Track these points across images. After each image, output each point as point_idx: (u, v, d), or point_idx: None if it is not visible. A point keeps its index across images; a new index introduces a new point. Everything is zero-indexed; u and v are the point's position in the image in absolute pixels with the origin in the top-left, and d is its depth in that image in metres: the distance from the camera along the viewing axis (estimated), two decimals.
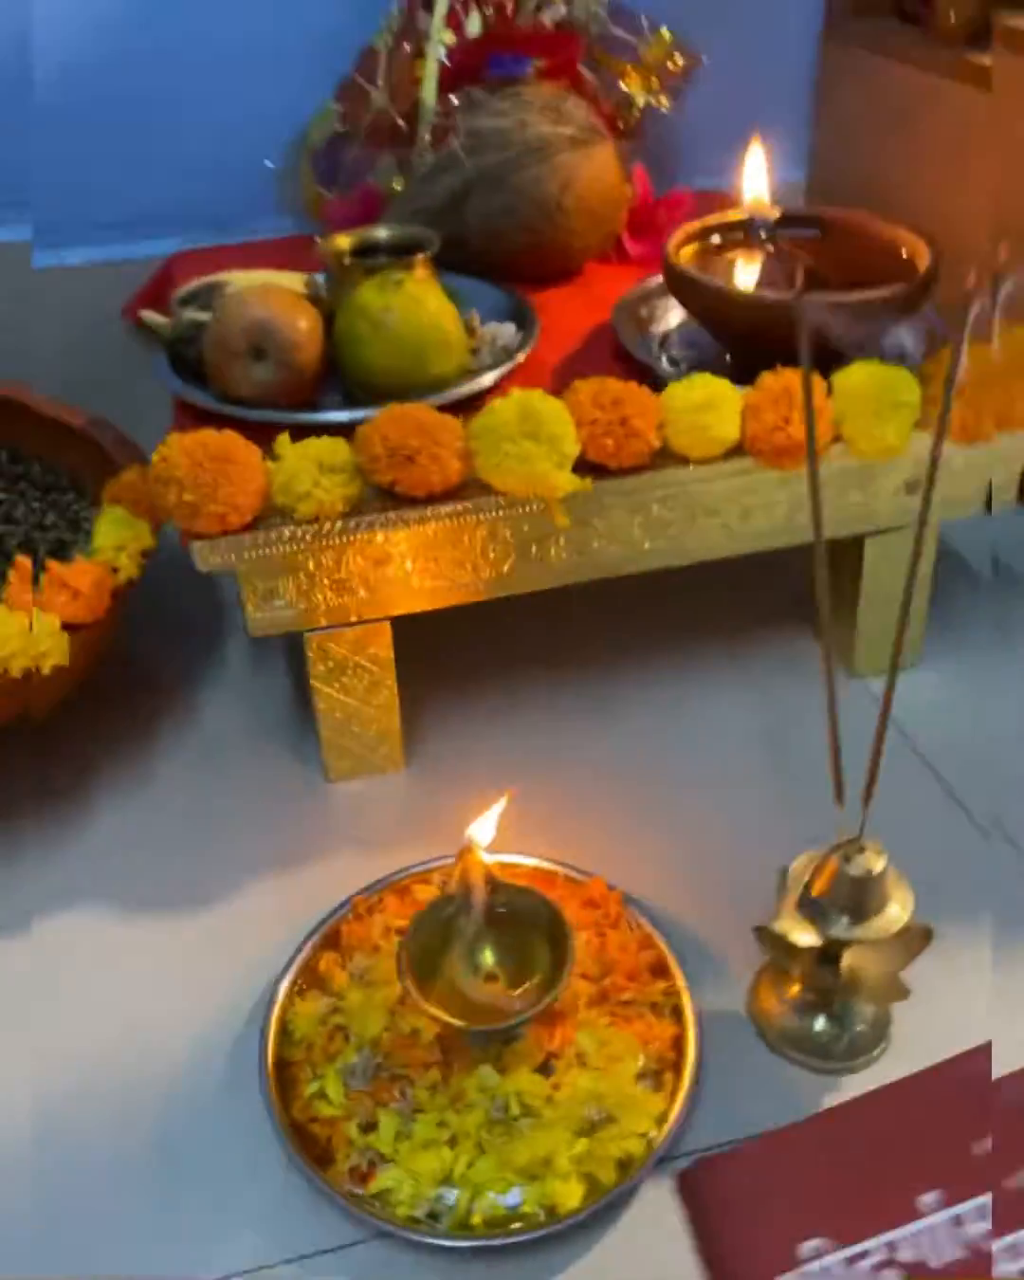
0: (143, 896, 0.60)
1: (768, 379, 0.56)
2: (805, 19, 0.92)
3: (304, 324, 0.59)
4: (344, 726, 0.64)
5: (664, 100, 0.85)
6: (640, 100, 0.84)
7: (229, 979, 0.55)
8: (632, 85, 0.84)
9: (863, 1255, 0.27)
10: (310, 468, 0.53)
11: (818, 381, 0.57)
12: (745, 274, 0.62)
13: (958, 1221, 0.27)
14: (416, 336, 0.58)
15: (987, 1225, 0.26)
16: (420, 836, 0.61)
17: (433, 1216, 0.45)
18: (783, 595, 0.77)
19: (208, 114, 0.85)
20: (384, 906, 0.57)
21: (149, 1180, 0.48)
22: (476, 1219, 0.45)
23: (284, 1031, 0.52)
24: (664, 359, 0.66)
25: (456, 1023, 0.46)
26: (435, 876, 0.57)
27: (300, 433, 0.56)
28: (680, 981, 0.52)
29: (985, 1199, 0.27)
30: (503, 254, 0.73)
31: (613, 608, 0.76)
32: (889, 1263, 0.27)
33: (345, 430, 0.56)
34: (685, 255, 0.64)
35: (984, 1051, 0.37)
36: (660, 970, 0.53)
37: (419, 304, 0.58)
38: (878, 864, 0.46)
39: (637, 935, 0.55)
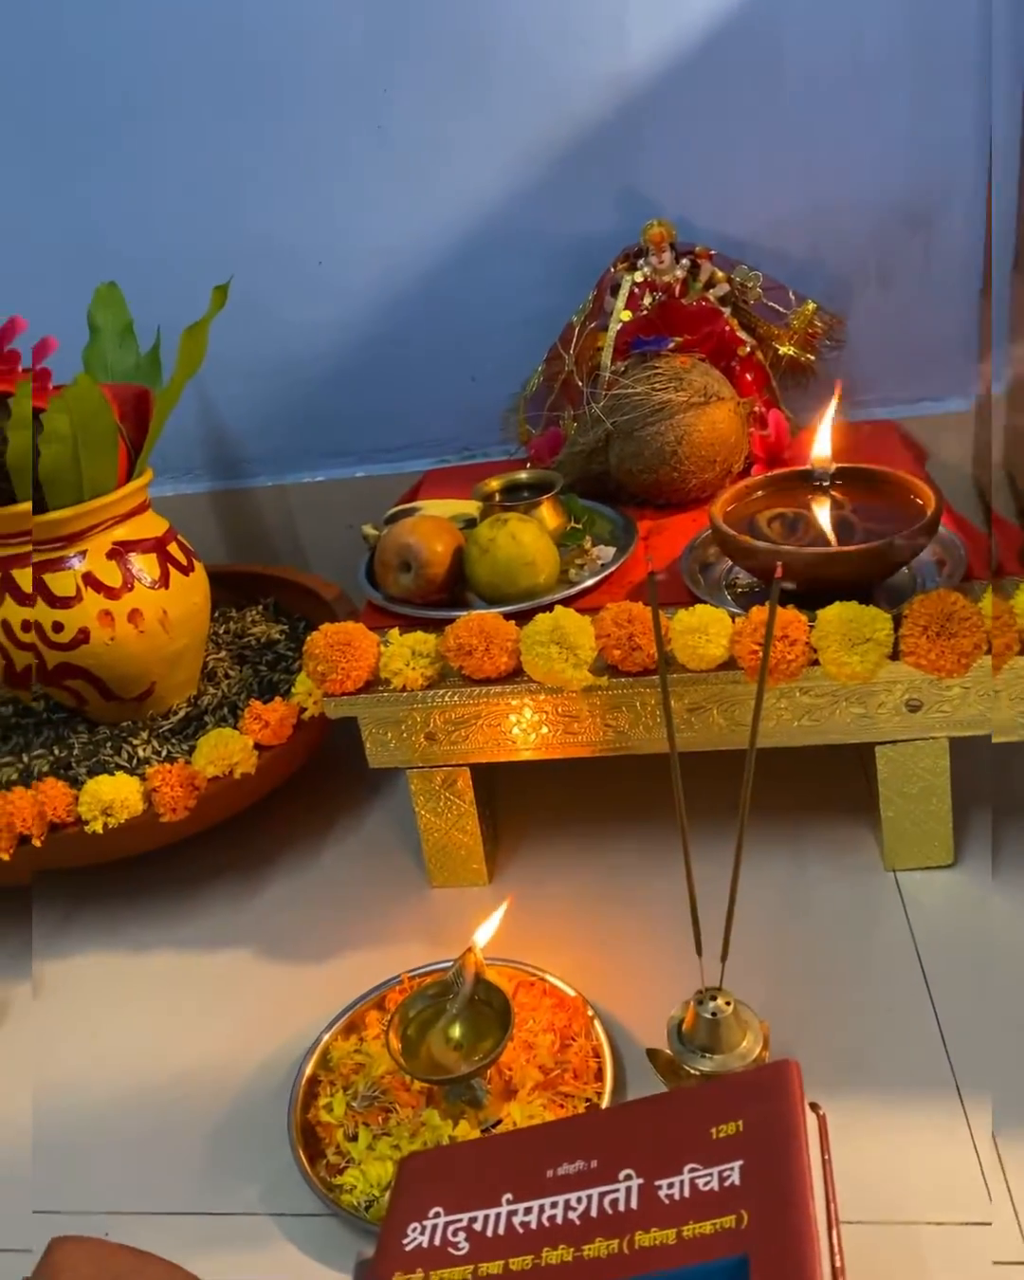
0: (283, 949, 0.83)
1: (756, 611, 0.70)
2: (967, 274, 1.04)
3: (439, 547, 0.82)
4: (439, 845, 0.84)
5: (810, 356, 1.01)
6: (788, 356, 1.01)
7: (315, 1012, 0.75)
8: (782, 345, 1.01)
9: (455, 1220, 0.41)
10: (405, 652, 0.75)
11: (799, 615, 0.70)
12: (772, 523, 0.77)
13: (513, 1214, 0.41)
14: (508, 562, 0.79)
15: (528, 1218, 0.40)
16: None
17: (368, 1205, 0.62)
18: (850, 792, 0.87)
19: (459, 370, 1.13)
20: (418, 984, 0.75)
21: (217, 1133, 0.69)
22: None
23: (323, 1059, 0.71)
24: (726, 589, 0.81)
25: (408, 1070, 0.63)
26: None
27: (423, 624, 0.79)
28: (608, 1086, 0.65)
29: (536, 1202, 0.40)
30: (635, 487, 0.93)
31: (700, 779, 0.90)
32: (465, 1229, 0.41)
33: (447, 624, 0.77)
34: (754, 500, 0.80)
35: (596, 1116, 0.48)
36: (601, 1075, 0.67)
37: (514, 538, 0.79)
38: (727, 1008, 0.57)
39: (593, 1044, 0.69)
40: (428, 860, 0.85)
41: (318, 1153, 0.66)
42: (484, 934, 0.68)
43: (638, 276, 1.01)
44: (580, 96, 1.01)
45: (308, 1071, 0.70)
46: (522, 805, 0.92)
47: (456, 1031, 0.66)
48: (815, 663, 0.70)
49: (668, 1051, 0.60)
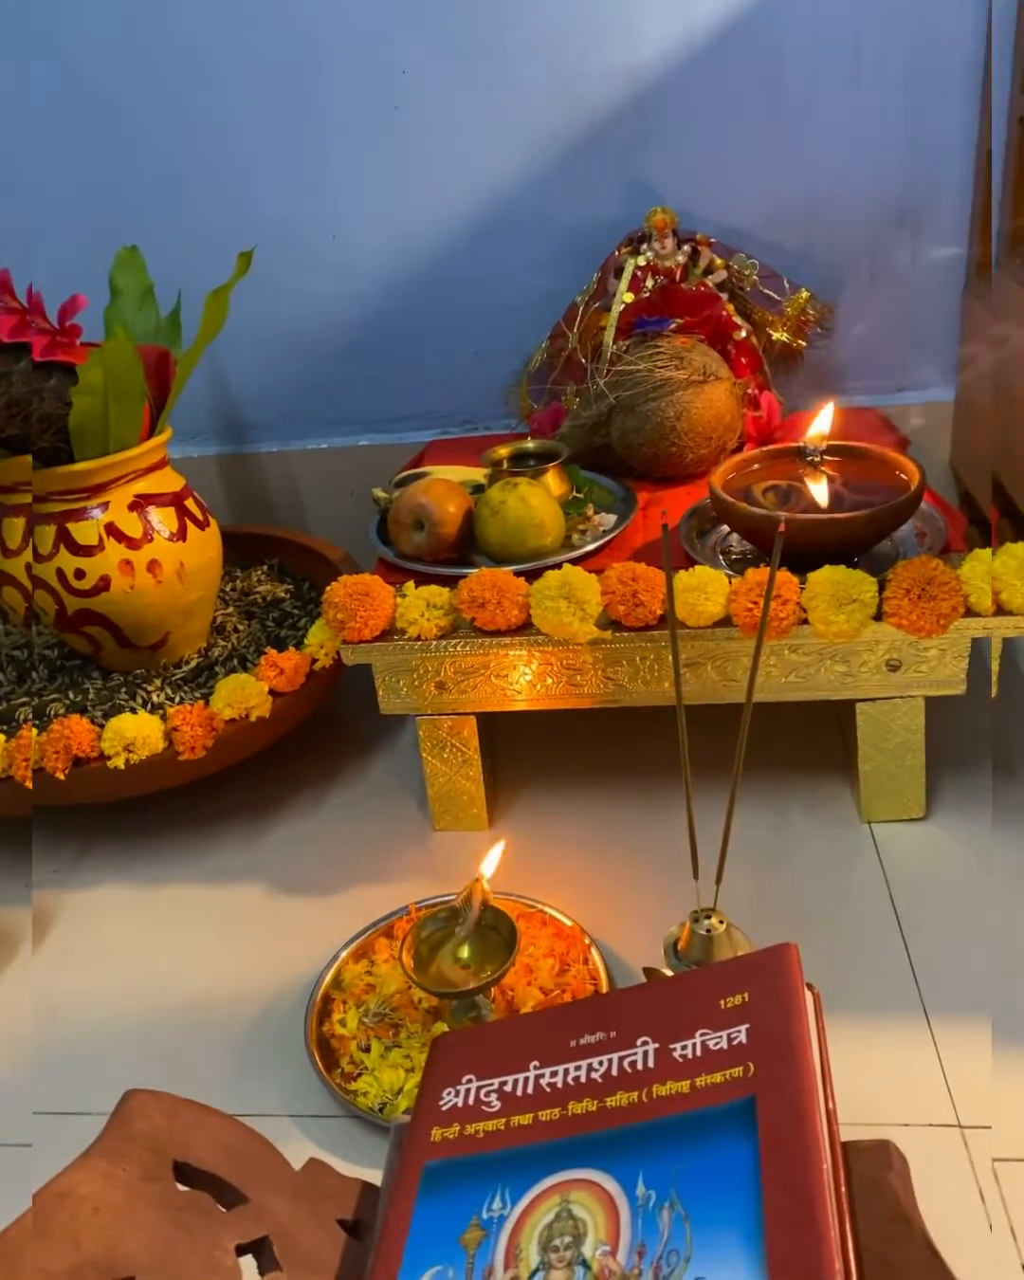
0: (292, 884, 0.88)
1: (751, 572, 0.76)
2: (953, 267, 1.10)
3: (451, 508, 0.86)
4: (443, 790, 0.89)
5: (801, 343, 1.07)
6: (780, 341, 1.06)
7: (324, 942, 0.80)
8: (775, 331, 1.06)
9: (487, 1084, 0.46)
10: (420, 604, 0.80)
11: (791, 577, 0.75)
12: (765, 493, 0.82)
13: (540, 1077, 0.46)
14: (518, 523, 0.83)
15: (555, 1079, 0.45)
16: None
17: (382, 1108, 0.67)
18: (828, 753, 0.93)
19: (464, 346, 1.18)
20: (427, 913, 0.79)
21: (235, 1047, 0.73)
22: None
23: (336, 980, 0.76)
24: (721, 555, 0.86)
25: (421, 983, 0.68)
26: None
27: (433, 580, 0.84)
28: None
29: (561, 1067, 0.46)
30: (635, 460, 0.98)
31: (691, 734, 0.95)
32: (496, 1091, 0.46)
33: (457, 580, 0.82)
34: (750, 472, 0.86)
35: (613, 995, 0.53)
36: None
37: (524, 501, 0.84)
38: (720, 927, 0.63)
39: (591, 969, 0.74)
40: (432, 805, 0.90)
41: (333, 1062, 0.71)
42: (488, 866, 0.73)
43: (640, 260, 1.06)
44: (592, 87, 1.05)
45: (322, 990, 0.75)
46: (520, 756, 0.98)
47: (465, 952, 0.71)
48: (804, 622, 0.75)
49: (663, 970, 0.65)
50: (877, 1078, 0.66)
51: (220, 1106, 0.68)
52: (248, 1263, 0.43)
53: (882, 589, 0.75)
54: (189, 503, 0.97)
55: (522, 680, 0.82)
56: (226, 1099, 0.69)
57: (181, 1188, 0.44)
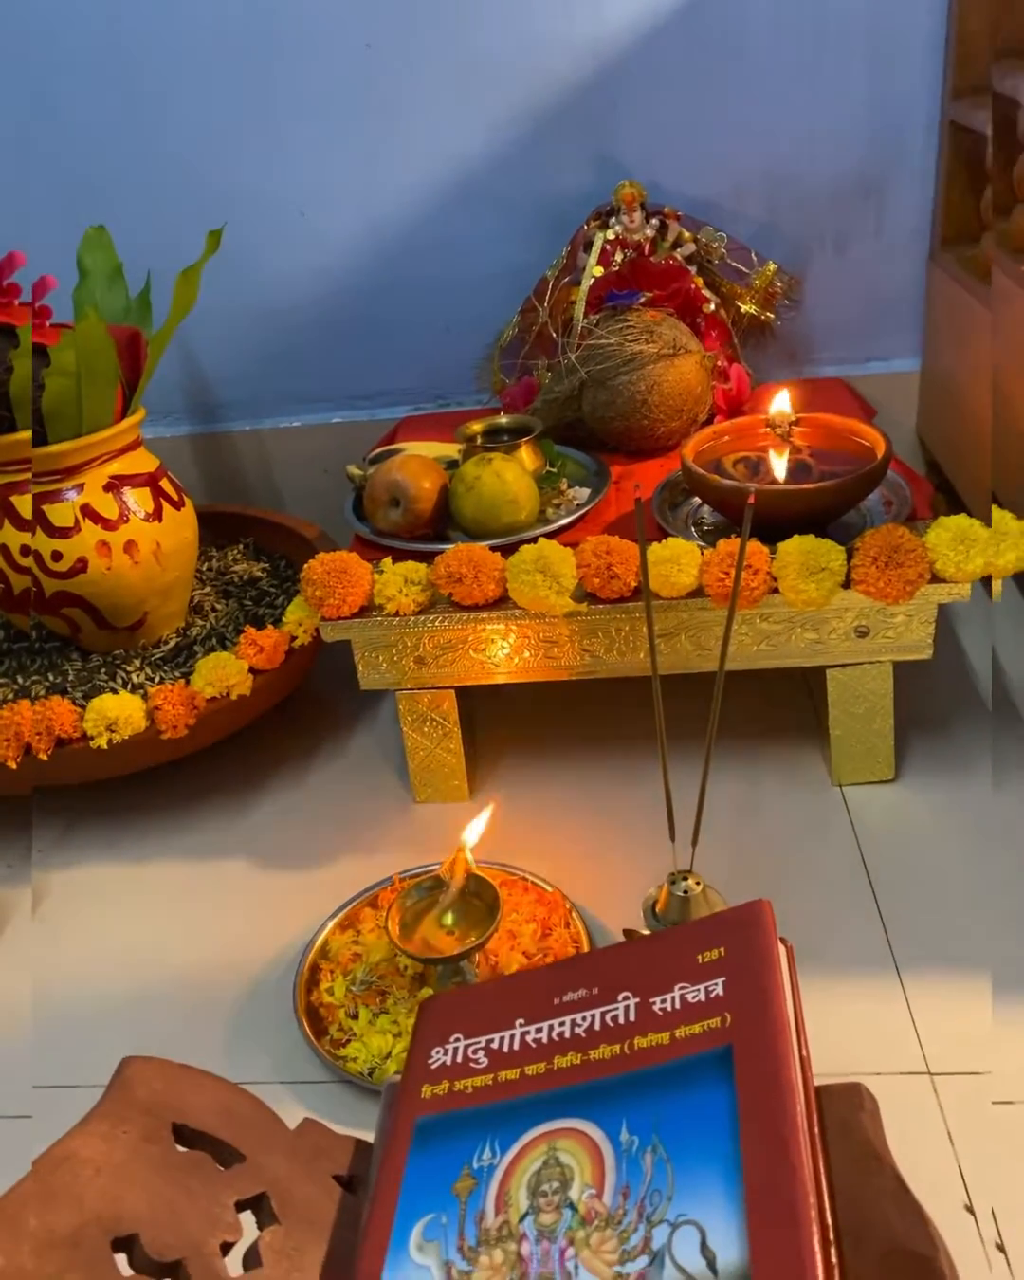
0: (276, 858, 0.89)
1: (723, 544, 0.77)
2: (917, 238, 1.11)
3: (427, 484, 0.87)
4: (424, 763, 0.90)
5: (769, 315, 1.08)
6: (749, 314, 1.07)
7: (310, 913, 0.81)
8: (744, 304, 1.07)
9: (474, 1042, 0.48)
10: (398, 580, 0.81)
11: (762, 547, 0.77)
12: (735, 466, 0.83)
13: (525, 1034, 0.47)
14: (493, 498, 0.84)
15: (540, 1035, 0.47)
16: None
17: (371, 1072, 0.68)
18: (798, 719, 0.95)
19: (435, 321, 1.18)
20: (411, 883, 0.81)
21: (226, 1018, 0.75)
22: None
23: (323, 950, 0.77)
24: (693, 526, 0.87)
25: (407, 950, 0.70)
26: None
27: (410, 556, 0.85)
28: None
29: (546, 1023, 0.47)
30: (607, 434, 0.99)
31: (665, 703, 0.97)
32: (483, 1048, 0.48)
33: (433, 556, 0.83)
34: (721, 444, 0.87)
35: (595, 953, 0.56)
36: None
37: (499, 476, 0.85)
38: (696, 888, 0.64)
39: (572, 932, 0.76)
40: (413, 777, 0.91)
41: (322, 1030, 0.72)
42: (473, 833, 0.75)
43: (609, 234, 1.06)
44: (558, 59, 1.05)
45: (309, 960, 0.76)
46: (499, 728, 0.99)
47: (449, 919, 0.73)
48: (775, 591, 0.77)
49: (643, 931, 0.67)
50: (849, 1028, 0.68)
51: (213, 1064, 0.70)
52: (247, 1218, 0.45)
53: (850, 557, 0.76)
54: (164, 483, 0.97)
55: (499, 654, 0.84)
56: (219, 1069, 0.70)
57: (181, 1149, 0.45)
